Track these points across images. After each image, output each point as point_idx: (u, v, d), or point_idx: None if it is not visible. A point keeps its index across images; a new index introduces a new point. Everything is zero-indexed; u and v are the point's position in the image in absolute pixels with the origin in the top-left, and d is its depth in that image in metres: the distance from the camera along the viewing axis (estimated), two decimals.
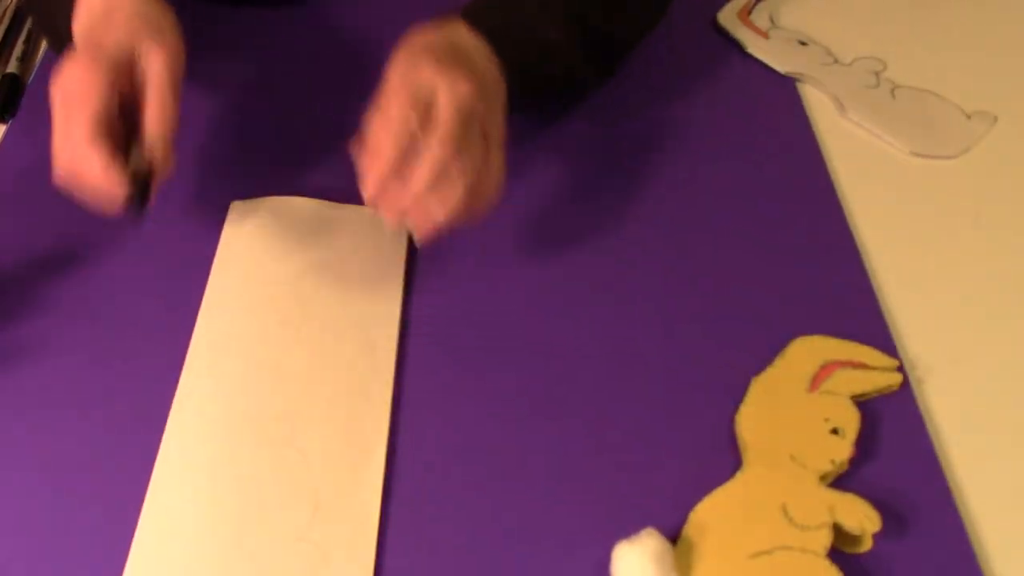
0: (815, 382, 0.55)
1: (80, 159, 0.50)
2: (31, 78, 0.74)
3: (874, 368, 0.56)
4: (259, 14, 0.79)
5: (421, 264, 0.61)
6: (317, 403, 0.53)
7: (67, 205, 0.64)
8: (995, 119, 0.75)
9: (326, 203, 0.63)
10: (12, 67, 0.74)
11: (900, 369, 0.56)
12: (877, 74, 0.78)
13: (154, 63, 0.53)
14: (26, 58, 0.75)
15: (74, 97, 0.51)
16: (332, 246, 0.61)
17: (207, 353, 0.55)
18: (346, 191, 0.65)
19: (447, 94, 0.50)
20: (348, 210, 0.63)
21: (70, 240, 0.60)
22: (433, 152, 0.49)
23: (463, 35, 0.56)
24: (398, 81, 0.51)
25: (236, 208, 0.63)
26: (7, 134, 0.70)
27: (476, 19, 0.57)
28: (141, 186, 0.51)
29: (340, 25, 0.79)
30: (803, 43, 0.81)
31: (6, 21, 0.78)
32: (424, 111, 0.50)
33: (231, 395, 0.53)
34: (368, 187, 0.50)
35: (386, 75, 0.52)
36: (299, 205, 0.63)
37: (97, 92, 0.51)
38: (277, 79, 0.74)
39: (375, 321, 0.57)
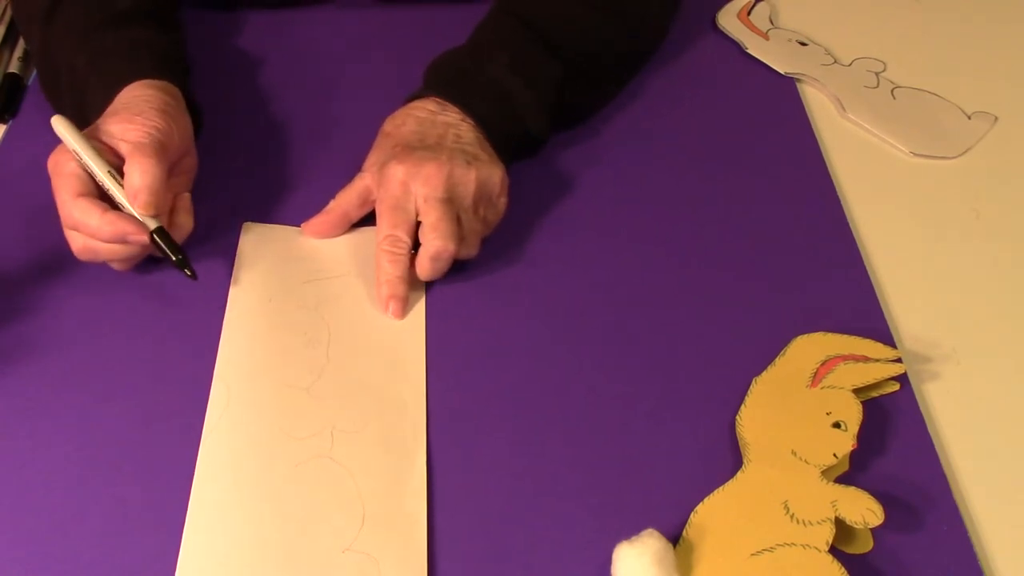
0: (816, 378, 0.55)
1: (79, 217, 0.54)
2: (32, 78, 0.74)
3: (875, 360, 0.56)
4: (274, 19, 0.80)
5: (437, 280, 0.61)
6: (353, 418, 0.54)
7: None
8: (995, 119, 0.75)
9: None
10: (13, 67, 0.74)
11: (900, 362, 0.56)
12: (877, 74, 0.78)
13: (133, 133, 0.57)
14: (27, 58, 0.75)
15: (58, 166, 0.56)
16: (351, 269, 0.61)
17: (235, 373, 0.56)
18: None
19: (423, 191, 0.58)
20: (361, 233, 0.63)
21: None
22: (431, 245, 0.58)
23: (428, 112, 0.63)
24: (382, 206, 0.60)
25: (249, 230, 0.63)
26: (7, 134, 0.70)
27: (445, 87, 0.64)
28: (164, 241, 0.56)
29: (355, 33, 0.79)
30: (803, 43, 0.81)
31: (6, 21, 0.78)
32: (412, 217, 0.59)
33: (266, 414, 0.54)
34: (394, 312, 0.59)
35: (363, 180, 0.62)
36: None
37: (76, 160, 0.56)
38: (282, 93, 0.75)
39: (402, 338, 0.58)
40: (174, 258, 0.56)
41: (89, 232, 0.55)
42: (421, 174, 0.58)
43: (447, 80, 0.65)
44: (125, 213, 0.56)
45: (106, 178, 0.56)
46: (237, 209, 0.64)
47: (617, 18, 0.70)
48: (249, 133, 0.70)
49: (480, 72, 0.65)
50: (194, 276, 0.57)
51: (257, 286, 0.60)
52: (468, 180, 0.59)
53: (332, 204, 0.63)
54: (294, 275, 0.61)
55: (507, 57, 0.65)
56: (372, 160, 0.62)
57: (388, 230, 0.59)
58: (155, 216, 0.56)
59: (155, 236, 0.56)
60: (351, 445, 0.53)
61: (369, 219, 0.63)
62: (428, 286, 0.61)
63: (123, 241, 0.55)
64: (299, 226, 0.64)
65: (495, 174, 0.61)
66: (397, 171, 0.59)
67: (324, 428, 0.53)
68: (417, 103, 0.64)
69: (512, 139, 0.65)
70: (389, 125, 0.64)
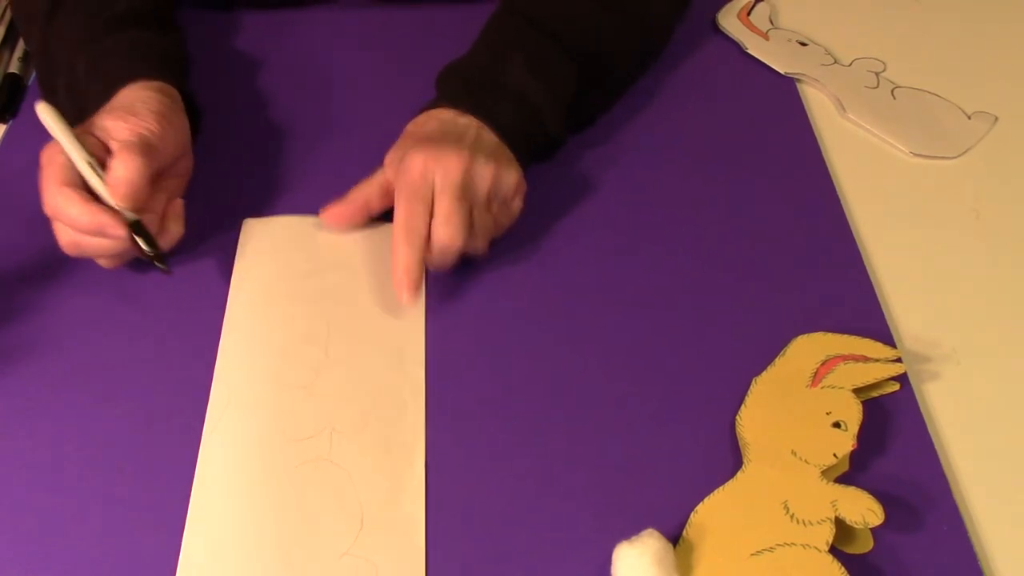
0: (816, 378, 0.55)
1: (60, 205, 0.55)
2: (31, 78, 0.74)
3: (875, 360, 0.56)
4: (274, 19, 0.80)
5: (434, 275, 0.61)
6: (352, 418, 0.54)
7: None
8: (995, 119, 0.75)
9: None
10: (13, 67, 0.74)
11: (900, 362, 0.56)
12: (877, 74, 0.78)
13: (124, 132, 0.57)
14: (27, 58, 0.75)
15: (49, 157, 0.56)
16: (351, 264, 0.61)
17: (235, 373, 0.56)
18: None
19: (440, 181, 0.58)
20: (364, 228, 0.63)
21: None
22: (439, 237, 0.58)
23: (451, 115, 0.63)
24: (401, 194, 0.59)
25: (249, 225, 0.63)
26: (7, 134, 0.70)
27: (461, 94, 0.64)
28: (140, 234, 0.56)
29: (355, 33, 0.79)
30: (803, 43, 0.81)
31: (6, 21, 0.78)
32: (430, 206, 0.58)
33: (266, 415, 0.54)
34: (407, 299, 0.58)
35: (387, 171, 0.61)
36: (312, 223, 0.63)
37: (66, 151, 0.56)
38: (282, 93, 0.75)
39: (401, 335, 0.58)
40: (150, 252, 0.56)
41: (68, 221, 0.55)
42: (441, 162, 0.58)
43: (464, 90, 0.64)
44: (105, 206, 0.56)
45: (84, 166, 0.56)
46: (237, 209, 0.64)
47: (620, 15, 0.70)
48: (249, 133, 0.70)
49: (497, 77, 0.64)
50: (168, 271, 0.57)
51: (257, 284, 0.60)
52: (486, 175, 0.59)
53: (352, 194, 0.62)
54: (294, 270, 0.61)
55: (522, 59, 0.64)
56: (393, 156, 0.62)
57: (405, 217, 0.58)
58: (136, 212, 0.56)
59: (132, 229, 0.56)
60: (350, 446, 0.53)
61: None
62: (428, 284, 0.61)
63: (101, 233, 0.55)
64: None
65: (512, 175, 0.60)
66: (417, 157, 0.58)
67: (323, 429, 0.53)
68: (436, 110, 0.64)
69: (532, 142, 0.65)
70: (412, 126, 0.63)
